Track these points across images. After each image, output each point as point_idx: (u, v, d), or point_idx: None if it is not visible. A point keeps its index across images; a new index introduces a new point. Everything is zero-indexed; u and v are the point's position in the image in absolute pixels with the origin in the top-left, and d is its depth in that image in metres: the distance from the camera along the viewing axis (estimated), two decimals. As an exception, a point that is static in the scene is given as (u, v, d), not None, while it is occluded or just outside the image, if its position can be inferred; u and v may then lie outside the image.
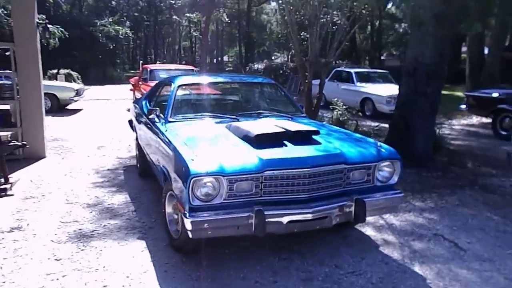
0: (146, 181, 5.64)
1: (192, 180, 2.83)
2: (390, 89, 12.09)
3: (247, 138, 3.34)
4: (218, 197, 2.94)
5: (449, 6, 5.56)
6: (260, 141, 3.23)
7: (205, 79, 4.82)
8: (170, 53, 57.77)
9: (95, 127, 10.22)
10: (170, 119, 4.13)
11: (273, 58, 57.74)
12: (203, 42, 36.96)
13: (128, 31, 30.69)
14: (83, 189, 5.29)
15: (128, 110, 7.00)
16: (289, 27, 8.81)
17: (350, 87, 13.02)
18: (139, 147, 5.67)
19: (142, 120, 5.15)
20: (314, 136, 3.49)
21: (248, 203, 3.00)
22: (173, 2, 34.36)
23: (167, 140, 3.64)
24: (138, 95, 12.52)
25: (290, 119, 4.35)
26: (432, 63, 5.78)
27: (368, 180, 3.35)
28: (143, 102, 5.48)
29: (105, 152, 7.50)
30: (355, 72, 13.45)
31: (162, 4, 42.52)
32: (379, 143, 3.60)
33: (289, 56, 44.80)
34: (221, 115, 4.24)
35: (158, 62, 35.80)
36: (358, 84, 12.88)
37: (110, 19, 29.54)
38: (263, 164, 2.99)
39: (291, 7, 8.83)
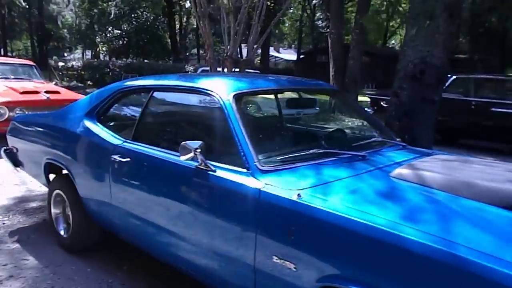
0: (87, 260, 3.19)
1: None
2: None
3: None
4: None
5: (460, -3, 4.72)
6: None
7: (263, 83, 2.71)
8: None
9: None
10: (262, 166, 2.04)
11: (65, 55, 51.05)
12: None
13: None
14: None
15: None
16: (199, 16, 6.83)
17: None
18: (78, 206, 3.13)
19: (111, 160, 2.70)
20: None
21: None
22: None
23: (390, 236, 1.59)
24: None
25: (402, 148, 2.76)
26: (442, 65, 4.88)
27: None
28: (95, 126, 2.96)
29: None
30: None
31: None
32: None
33: (92, 53, 39.97)
34: (332, 150, 2.33)
35: None
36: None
37: None
38: None
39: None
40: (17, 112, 6.93)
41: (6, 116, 6.81)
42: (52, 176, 3.59)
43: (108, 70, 19.63)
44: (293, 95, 2.85)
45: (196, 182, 2.22)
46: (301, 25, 42.02)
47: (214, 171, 2.13)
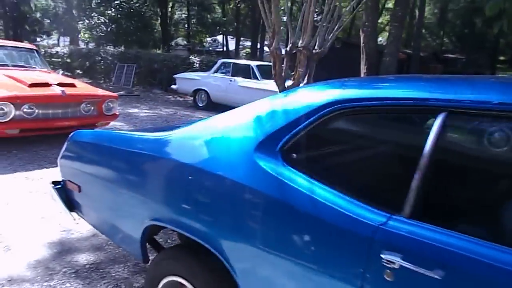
0: None
1: None
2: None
3: None
4: None
5: None
6: None
7: None
8: None
9: None
10: None
11: (38, 39, 48.02)
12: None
13: None
14: None
15: None
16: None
17: (253, 85, 10.05)
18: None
19: (380, 265, 1.24)
20: None
21: None
22: None
23: None
24: None
25: None
26: None
27: None
28: (295, 176, 1.50)
29: None
30: (257, 66, 10.54)
31: None
32: None
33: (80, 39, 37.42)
34: None
35: None
36: (265, 81, 9.93)
37: None
38: None
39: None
40: (24, 109, 5.31)
41: (12, 115, 5.16)
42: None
43: (100, 58, 17.70)
44: None
45: None
46: (290, 19, 40.57)
47: None
